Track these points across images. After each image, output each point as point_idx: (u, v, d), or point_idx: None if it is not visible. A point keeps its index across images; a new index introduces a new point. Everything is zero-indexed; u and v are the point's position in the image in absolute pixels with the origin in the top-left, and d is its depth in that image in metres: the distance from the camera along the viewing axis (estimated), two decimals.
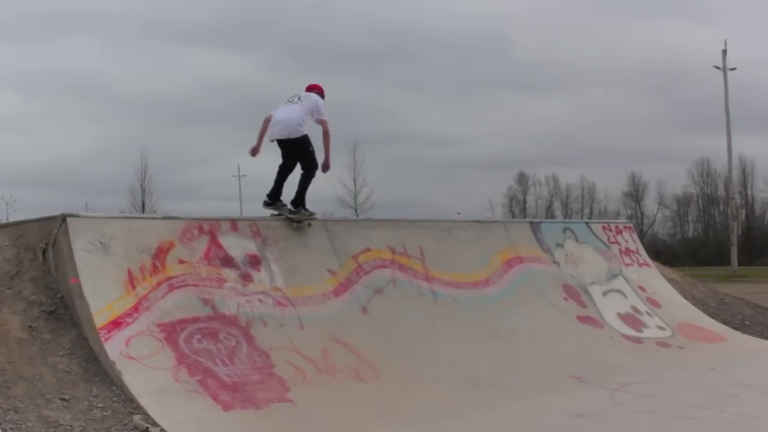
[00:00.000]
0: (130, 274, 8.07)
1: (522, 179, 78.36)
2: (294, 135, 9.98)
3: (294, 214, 10.02)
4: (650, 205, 77.11)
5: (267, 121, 10.23)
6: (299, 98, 10.23)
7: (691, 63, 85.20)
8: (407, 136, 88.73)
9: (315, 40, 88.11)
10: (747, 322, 13.47)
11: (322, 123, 10.17)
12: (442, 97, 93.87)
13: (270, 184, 10.25)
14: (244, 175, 73.56)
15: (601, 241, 13.81)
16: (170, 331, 7.80)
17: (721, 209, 71.61)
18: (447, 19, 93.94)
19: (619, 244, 14.06)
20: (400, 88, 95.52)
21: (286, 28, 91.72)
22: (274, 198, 10.22)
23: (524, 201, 78.20)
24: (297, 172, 10.30)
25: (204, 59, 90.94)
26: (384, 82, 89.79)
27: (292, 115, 10.01)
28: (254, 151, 10.32)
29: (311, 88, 10.52)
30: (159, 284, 8.19)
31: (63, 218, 8.11)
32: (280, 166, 10.30)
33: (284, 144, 10.10)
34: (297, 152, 10.13)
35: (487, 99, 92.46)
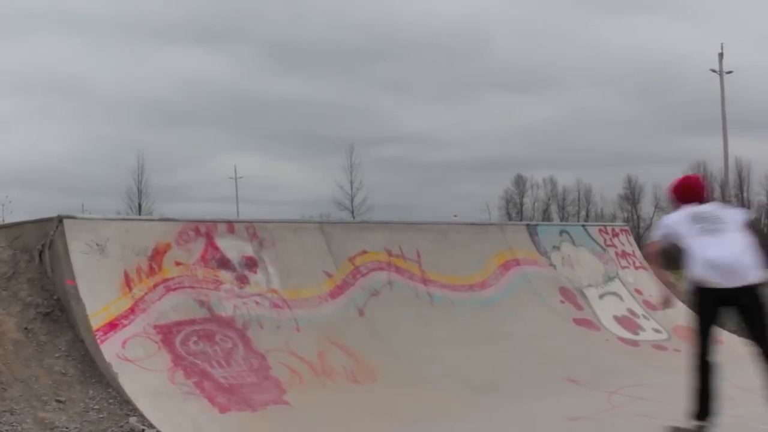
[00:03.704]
0: (126, 275, 8.07)
1: (519, 182, 78.51)
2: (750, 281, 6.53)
3: None
4: (647, 208, 77.24)
5: (656, 255, 7.49)
6: (718, 222, 6.78)
7: (687, 65, 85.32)
8: (398, 137, 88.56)
9: (294, 38, 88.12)
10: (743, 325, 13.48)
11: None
12: (430, 98, 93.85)
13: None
14: (240, 177, 73.64)
15: (598, 244, 13.83)
16: (166, 333, 7.80)
17: None
18: (428, 18, 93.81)
19: (615, 247, 14.07)
20: (385, 88, 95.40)
21: (264, 26, 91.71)
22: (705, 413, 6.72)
23: (521, 204, 78.32)
24: None
25: (183, 58, 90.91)
26: (368, 82, 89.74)
27: (735, 252, 6.58)
28: (668, 304, 7.61)
29: (700, 193, 7.12)
30: (155, 286, 8.19)
31: (59, 220, 8.10)
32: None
33: (730, 295, 6.62)
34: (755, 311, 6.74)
35: (476, 100, 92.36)
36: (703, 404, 6.68)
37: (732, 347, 12.06)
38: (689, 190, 7.15)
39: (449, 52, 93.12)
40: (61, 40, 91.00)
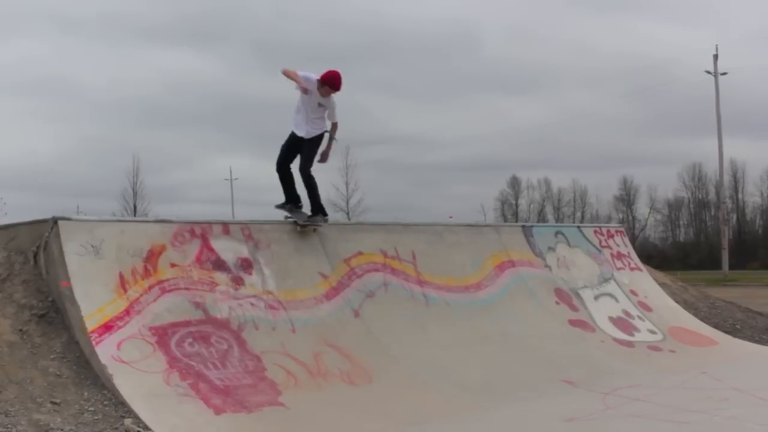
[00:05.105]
0: (121, 277, 8.05)
1: (514, 183, 78.61)
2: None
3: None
4: (642, 209, 77.44)
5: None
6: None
7: (682, 66, 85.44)
8: (394, 138, 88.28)
9: (286, 40, 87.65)
10: (738, 326, 13.51)
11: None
12: (425, 99, 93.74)
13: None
14: (236, 179, 73.59)
15: (593, 245, 13.84)
16: (162, 335, 7.79)
17: (712, 213, 71.94)
18: (419, 19, 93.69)
19: (610, 248, 14.08)
20: (378, 89, 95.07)
21: (256, 27, 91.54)
22: None
23: (516, 205, 78.41)
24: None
25: (177, 60, 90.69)
26: (361, 83, 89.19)
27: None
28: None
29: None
30: (151, 288, 8.18)
31: (54, 221, 8.09)
32: None
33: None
34: None
35: (471, 101, 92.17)
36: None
37: (726, 349, 12.12)
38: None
39: (442, 53, 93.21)
40: (53, 42, 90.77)
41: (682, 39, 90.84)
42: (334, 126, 10.13)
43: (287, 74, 9.82)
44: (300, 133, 10.04)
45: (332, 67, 9.90)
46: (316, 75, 9.88)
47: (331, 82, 9.84)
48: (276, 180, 10.24)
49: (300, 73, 9.89)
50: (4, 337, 7.36)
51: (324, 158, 10.24)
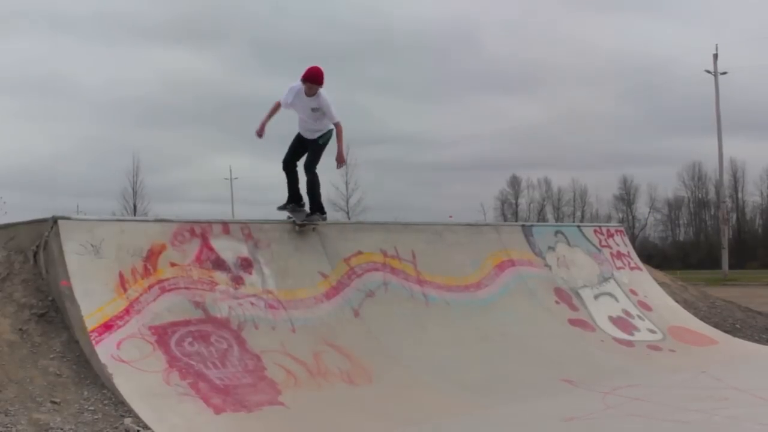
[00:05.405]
0: (121, 276, 8.05)
1: (514, 182, 78.64)
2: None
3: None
4: (641, 208, 77.48)
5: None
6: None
7: (681, 66, 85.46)
8: (394, 138, 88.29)
9: (285, 39, 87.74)
10: (738, 326, 13.52)
11: None
12: (424, 99, 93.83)
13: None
14: (236, 178, 73.58)
15: (593, 244, 13.84)
16: (161, 334, 7.79)
17: (712, 213, 71.94)
18: (418, 18, 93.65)
19: (610, 247, 14.09)
20: (377, 88, 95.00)
21: (255, 27, 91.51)
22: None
23: (516, 204, 78.44)
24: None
25: (177, 59, 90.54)
26: (360, 83, 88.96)
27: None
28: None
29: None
30: (150, 287, 8.18)
31: (54, 220, 8.09)
32: None
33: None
34: None
35: (471, 101, 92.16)
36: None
37: (726, 349, 12.12)
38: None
39: (441, 52, 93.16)
40: (51, 41, 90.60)
41: (681, 38, 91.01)
42: (338, 127, 10.03)
43: (264, 122, 10.15)
44: (306, 135, 10.05)
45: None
46: (296, 82, 9.82)
47: (311, 77, 9.73)
48: (277, 179, 10.29)
49: (280, 99, 9.99)
50: (3, 337, 7.36)
51: (340, 160, 10.16)
